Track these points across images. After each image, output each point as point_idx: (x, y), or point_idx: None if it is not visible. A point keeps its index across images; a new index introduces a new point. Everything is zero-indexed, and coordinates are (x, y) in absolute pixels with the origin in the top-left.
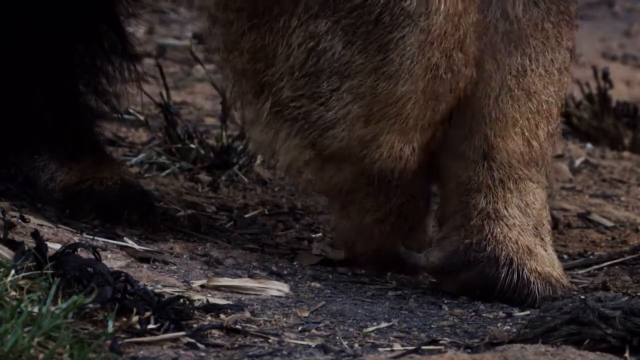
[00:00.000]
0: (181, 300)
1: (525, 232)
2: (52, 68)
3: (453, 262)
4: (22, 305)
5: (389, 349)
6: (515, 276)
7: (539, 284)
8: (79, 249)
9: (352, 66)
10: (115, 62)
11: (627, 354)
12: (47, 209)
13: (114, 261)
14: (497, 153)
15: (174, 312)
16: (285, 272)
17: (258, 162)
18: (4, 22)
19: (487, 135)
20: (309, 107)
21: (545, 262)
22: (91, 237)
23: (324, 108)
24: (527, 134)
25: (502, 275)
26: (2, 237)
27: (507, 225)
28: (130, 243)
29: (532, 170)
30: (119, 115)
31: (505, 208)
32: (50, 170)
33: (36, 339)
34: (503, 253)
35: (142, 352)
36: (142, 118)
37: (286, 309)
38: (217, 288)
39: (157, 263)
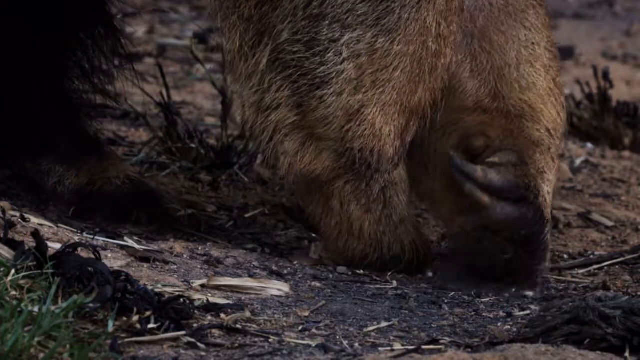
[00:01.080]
0: (181, 299)
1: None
2: (48, 68)
3: (513, 190)
4: (23, 304)
5: (389, 348)
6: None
7: None
8: (79, 249)
9: (355, 15)
10: (113, 61)
11: (627, 354)
12: (48, 209)
13: (114, 261)
14: (542, 116)
15: (174, 312)
16: (285, 271)
17: (258, 161)
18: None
19: (522, 99)
20: (304, 54)
21: None
22: (91, 236)
23: (319, 59)
24: (556, 103)
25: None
26: (2, 236)
27: (547, 186)
28: (130, 242)
29: (559, 148)
30: (117, 108)
31: (548, 173)
32: (57, 173)
33: (36, 339)
34: (549, 205)
35: (142, 351)
36: (138, 109)
37: (286, 308)
38: (218, 287)
39: (157, 262)
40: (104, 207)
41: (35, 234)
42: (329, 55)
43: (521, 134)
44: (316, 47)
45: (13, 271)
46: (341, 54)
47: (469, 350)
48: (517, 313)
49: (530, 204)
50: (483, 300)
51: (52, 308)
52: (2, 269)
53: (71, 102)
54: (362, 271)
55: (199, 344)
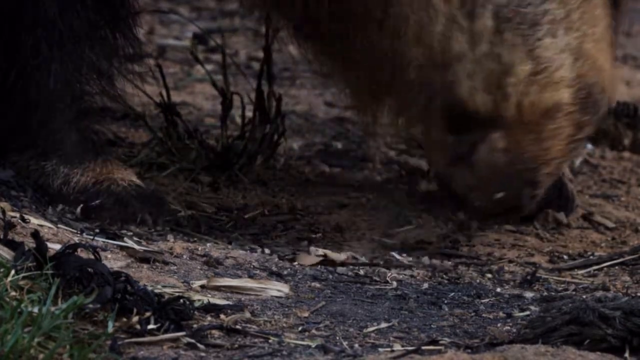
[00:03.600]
0: (181, 300)
1: None
2: (57, 69)
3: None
4: (22, 305)
5: (389, 349)
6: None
7: None
8: (79, 249)
9: None
10: (121, 63)
11: (627, 354)
12: (47, 210)
13: (114, 261)
14: None
15: (174, 313)
16: (285, 272)
17: (258, 162)
18: (7, 27)
19: None
20: None
21: None
22: (91, 237)
23: None
24: None
25: None
26: (2, 237)
27: None
28: (130, 243)
29: None
30: (119, 110)
31: None
32: (62, 174)
33: (36, 339)
34: None
35: (142, 352)
36: (137, 110)
37: (286, 309)
38: (217, 288)
39: (157, 263)
40: (112, 206)
41: (35, 234)
42: None
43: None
44: None
45: (13, 272)
46: None
47: (469, 351)
48: (517, 314)
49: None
50: (483, 300)
51: (52, 309)
52: (2, 270)
53: (79, 101)
54: (362, 272)
55: (198, 345)
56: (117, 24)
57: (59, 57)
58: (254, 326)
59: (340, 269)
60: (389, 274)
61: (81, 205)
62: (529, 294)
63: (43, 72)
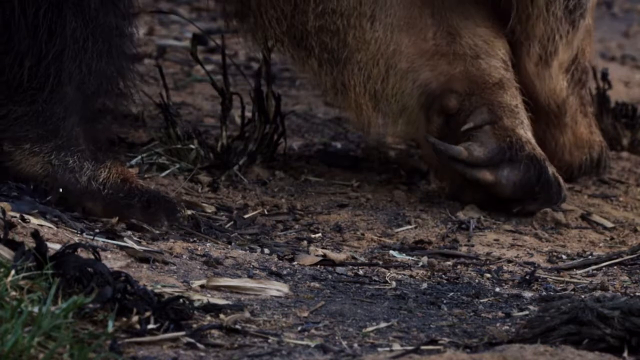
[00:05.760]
0: (181, 300)
1: None
2: (88, 61)
3: (500, 155)
4: (22, 305)
5: (388, 349)
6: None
7: None
8: (79, 249)
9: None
10: (128, 64)
11: (625, 354)
12: (47, 209)
13: (113, 261)
14: (495, 48)
15: (173, 312)
16: (284, 272)
17: (258, 162)
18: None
19: (477, 33)
20: None
21: None
22: (91, 237)
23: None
24: (501, 33)
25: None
26: (2, 237)
27: (523, 129)
28: (130, 243)
29: (513, 75)
30: (123, 115)
31: (517, 109)
32: (88, 169)
33: (36, 339)
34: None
35: (141, 352)
36: (137, 111)
37: (285, 309)
38: (217, 288)
39: (156, 263)
40: (141, 206)
41: (35, 234)
42: None
43: (483, 77)
44: None
45: (13, 272)
46: None
47: (468, 350)
48: (516, 313)
49: (524, 159)
50: (482, 300)
51: (52, 308)
52: (2, 270)
53: (101, 98)
54: (361, 272)
55: (198, 345)
56: (125, 23)
57: (91, 50)
58: (253, 326)
59: (339, 269)
60: (388, 274)
61: (110, 203)
62: (527, 294)
63: (76, 60)
